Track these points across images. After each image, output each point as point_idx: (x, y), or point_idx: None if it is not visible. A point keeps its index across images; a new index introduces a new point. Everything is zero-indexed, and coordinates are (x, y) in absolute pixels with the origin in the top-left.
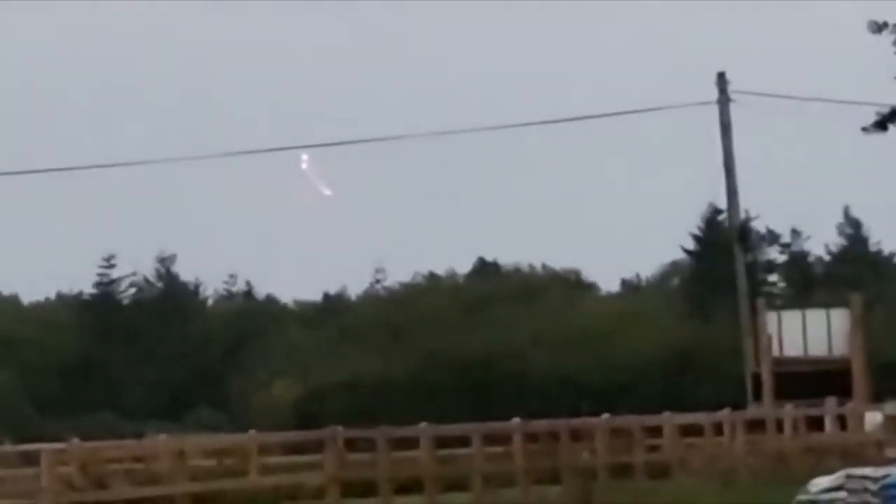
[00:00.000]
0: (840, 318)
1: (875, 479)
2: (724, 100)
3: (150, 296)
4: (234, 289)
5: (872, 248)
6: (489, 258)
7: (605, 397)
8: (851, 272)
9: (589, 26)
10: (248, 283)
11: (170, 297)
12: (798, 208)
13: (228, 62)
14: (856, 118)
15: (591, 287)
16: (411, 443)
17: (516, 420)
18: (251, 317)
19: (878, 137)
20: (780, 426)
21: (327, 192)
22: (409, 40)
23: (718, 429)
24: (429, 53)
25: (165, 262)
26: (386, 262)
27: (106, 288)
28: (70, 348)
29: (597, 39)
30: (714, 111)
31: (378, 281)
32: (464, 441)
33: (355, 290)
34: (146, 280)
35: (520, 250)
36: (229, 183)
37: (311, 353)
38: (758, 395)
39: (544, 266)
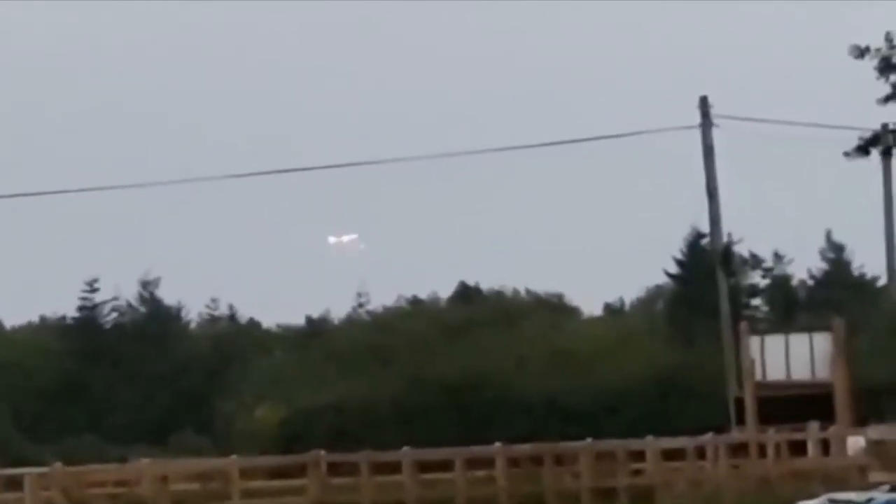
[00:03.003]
0: (823, 343)
1: None
2: (706, 124)
3: (133, 320)
4: (217, 313)
5: (855, 272)
6: (470, 282)
7: (589, 421)
8: (834, 296)
9: (570, 51)
10: (230, 307)
11: (153, 321)
12: (781, 232)
13: (212, 82)
14: (838, 142)
15: (574, 311)
16: (394, 467)
17: (499, 444)
18: (234, 341)
19: (861, 161)
20: (762, 450)
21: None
22: (390, 64)
23: (701, 453)
24: (411, 77)
25: (149, 286)
26: (369, 285)
27: (89, 312)
28: (53, 372)
29: (578, 63)
30: (697, 135)
31: (361, 305)
32: (447, 465)
33: (338, 313)
34: (129, 304)
35: (502, 274)
36: (212, 207)
37: (295, 376)
38: (741, 420)
39: (527, 290)
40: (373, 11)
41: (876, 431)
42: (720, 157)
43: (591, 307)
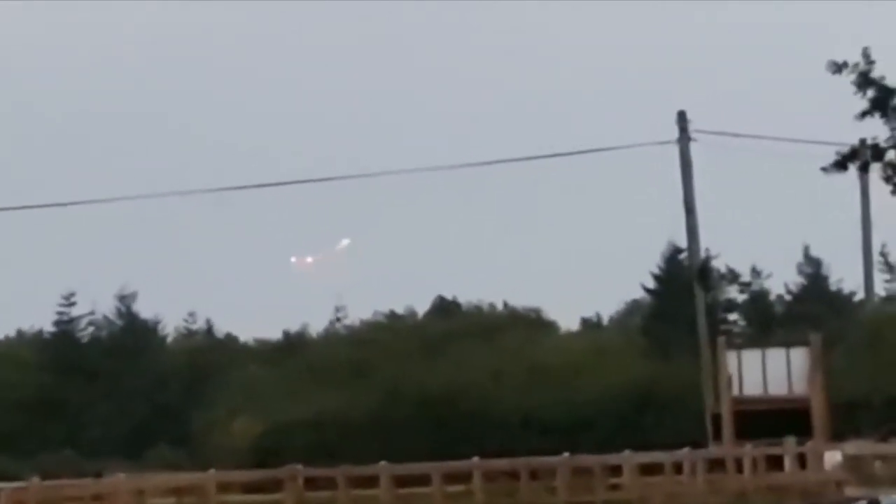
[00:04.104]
0: (800, 358)
1: None
2: (684, 139)
3: (110, 333)
4: (194, 327)
5: (833, 287)
6: (448, 296)
7: (566, 435)
8: (811, 311)
9: (549, 66)
10: (207, 322)
11: (130, 335)
12: (758, 247)
13: (191, 96)
14: (816, 157)
15: (551, 325)
16: (371, 481)
17: (476, 459)
18: (211, 355)
19: (839, 177)
20: (739, 465)
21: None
22: (372, 78)
23: (678, 467)
24: (391, 91)
25: (125, 300)
26: (346, 299)
27: (66, 326)
28: (30, 386)
29: (556, 78)
30: (674, 150)
31: (338, 319)
32: (424, 479)
33: (316, 328)
34: (106, 318)
35: (480, 289)
36: (189, 220)
37: (272, 390)
38: (718, 434)
39: (505, 304)
40: (358, 21)
41: (852, 446)
42: (698, 171)
43: (569, 322)
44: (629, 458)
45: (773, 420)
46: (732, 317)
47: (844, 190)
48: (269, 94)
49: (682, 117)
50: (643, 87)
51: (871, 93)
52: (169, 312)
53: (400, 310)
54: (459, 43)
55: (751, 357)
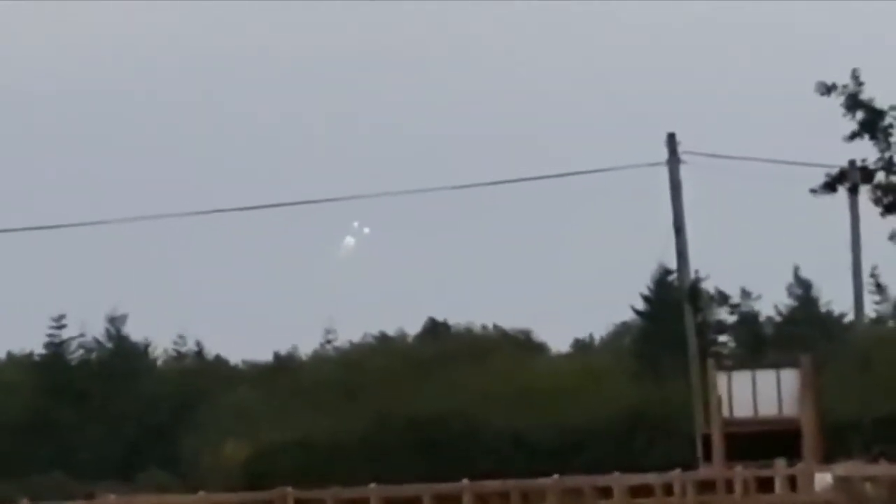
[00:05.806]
0: (790, 379)
1: None
2: (674, 161)
3: (99, 356)
4: (184, 349)
5: (822, 308)
6: (439, 318)
7: (556, 457)
8: (801, 333)
9: (537, 89)
10: (197, 344)
11: (120, 358)
12: (748, 269)
13: (180, 114)
14: (806, 179)
15: (541, 347)
16: (362, 503)
17: (466, 480)
18: (201, 377)
19: (829, 198)
20: (730, 487)
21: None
22: (357, 100)
23: (669, 489)
24: (377, 113)
25: (116, 322)
26: (336, 321)
27: (56, 348)
28: (20, 408)
29: (544, 100)
30: (664, 172)
31: (328, 341)
32: (414, 501)
33: (305, 349)
34: (96, 340)
35: (470, 310)
36: (179, 242)
37: (262, 413)
38: (708, 456)
39: (495, 326)
40: (344, 35)
41: (843, 468)
42: (687, 193)
43: (560, 343)
44: (619, 480)
45: (763, 442)
46: (722, 338)
47: (834, 211)
48: (260, 111)
49: (671, 139)
50: (632, 109)
51: (860, 115)
52: (159, 334)
53: (390, 332)
54: (448, 63)
55: (741, 378)
